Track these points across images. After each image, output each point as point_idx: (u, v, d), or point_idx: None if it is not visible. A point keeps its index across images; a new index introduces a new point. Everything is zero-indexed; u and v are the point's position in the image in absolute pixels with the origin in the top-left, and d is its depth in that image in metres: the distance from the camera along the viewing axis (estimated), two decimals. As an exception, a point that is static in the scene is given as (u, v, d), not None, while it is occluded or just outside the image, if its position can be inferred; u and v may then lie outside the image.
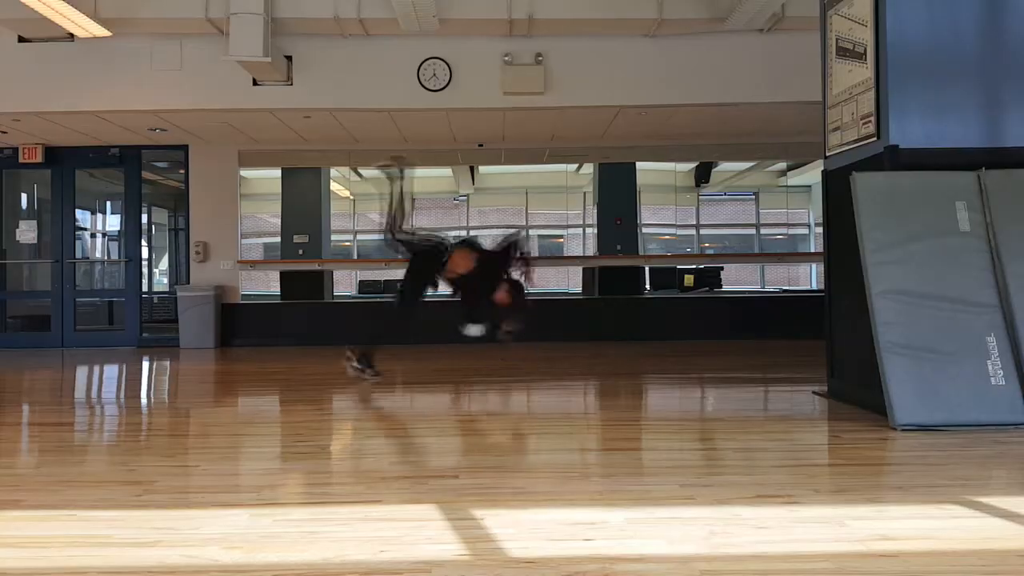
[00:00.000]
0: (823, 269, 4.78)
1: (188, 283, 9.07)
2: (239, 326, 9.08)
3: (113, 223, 10.07)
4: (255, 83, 7.28)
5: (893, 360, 3.68)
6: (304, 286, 9.29)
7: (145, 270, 9.83)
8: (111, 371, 7.10)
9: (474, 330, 5.42)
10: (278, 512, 2.38)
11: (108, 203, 10.12)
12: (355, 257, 9.79)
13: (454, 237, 5.84)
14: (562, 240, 9.98)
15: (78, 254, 9.45)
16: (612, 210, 9.50)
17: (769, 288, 9.79)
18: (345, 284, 9.61)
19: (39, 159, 8.99)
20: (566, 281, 9.75)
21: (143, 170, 9.44)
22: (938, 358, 3.68)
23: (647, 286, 9.57)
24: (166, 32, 7.14)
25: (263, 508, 2.43)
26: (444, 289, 5.68)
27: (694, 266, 9.60)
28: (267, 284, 9.51)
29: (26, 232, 9.38)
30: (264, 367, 7.01)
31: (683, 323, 9.10)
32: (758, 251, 9.94)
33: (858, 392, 4.20)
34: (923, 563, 1.90)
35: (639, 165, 9.57)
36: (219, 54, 6.85)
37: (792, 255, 9.84)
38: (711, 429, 4.03)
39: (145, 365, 7.42)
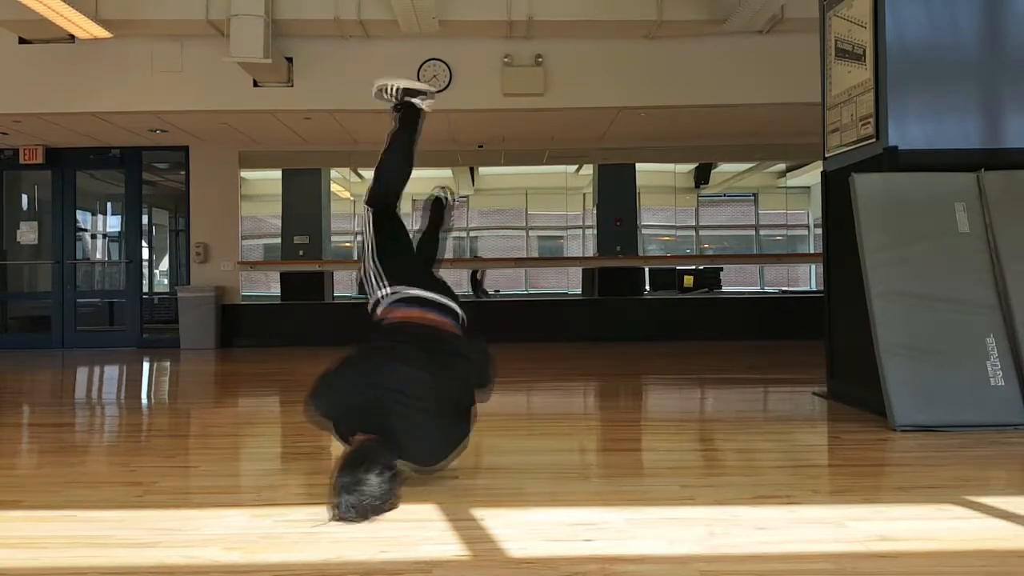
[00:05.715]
0: (822, 270, 4.78)
1: (188, 284, 9.08)
2: (239, 327, 9.09)
3: (113, 224, 10.07)
4: (255, 84, 7.29)
5: (893, 361, 3.68)
6: (304, 287, 9.30)
7: (145, 271, 9.84)
8: (111, 372, 7.10)
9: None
10: (278, 512, 2.38)
11: (109, 204, 10.12)
12: (355, 258, 9.78)
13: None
14: (562, 241, 9.98)
15: (78, 255, 9.45)
16: (612, 211, 9.51)
17: (768, 289, 9.79)
18: (345, 285, 9.60)
19: (40, 160, 9.01)
20: (566, 282, 9.75)
21: (143, 171, 9.45)
22: (938, 359, 3.68)
23: (647, 287, 9.57)
24: (167, 33, 7.15)
25: (263, 508, 2.43)
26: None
27: (693, 267, 9.60)
28: (267, 285, 9.52)
29: (27, 233, 9.38)
30: (264, 368, 7.01)
31: (683, 324, 9.10)
32: (757, 252, 9.93)
33: (858, 393, 4.19)
34: (923, 564, 1.90)
35: (639, 166, 9.58)
36: (220, 55, 6.85)
37: (791, 256, 9.84)
38: (711, 430, 4.03)
39: (145, 366, 7.41)
